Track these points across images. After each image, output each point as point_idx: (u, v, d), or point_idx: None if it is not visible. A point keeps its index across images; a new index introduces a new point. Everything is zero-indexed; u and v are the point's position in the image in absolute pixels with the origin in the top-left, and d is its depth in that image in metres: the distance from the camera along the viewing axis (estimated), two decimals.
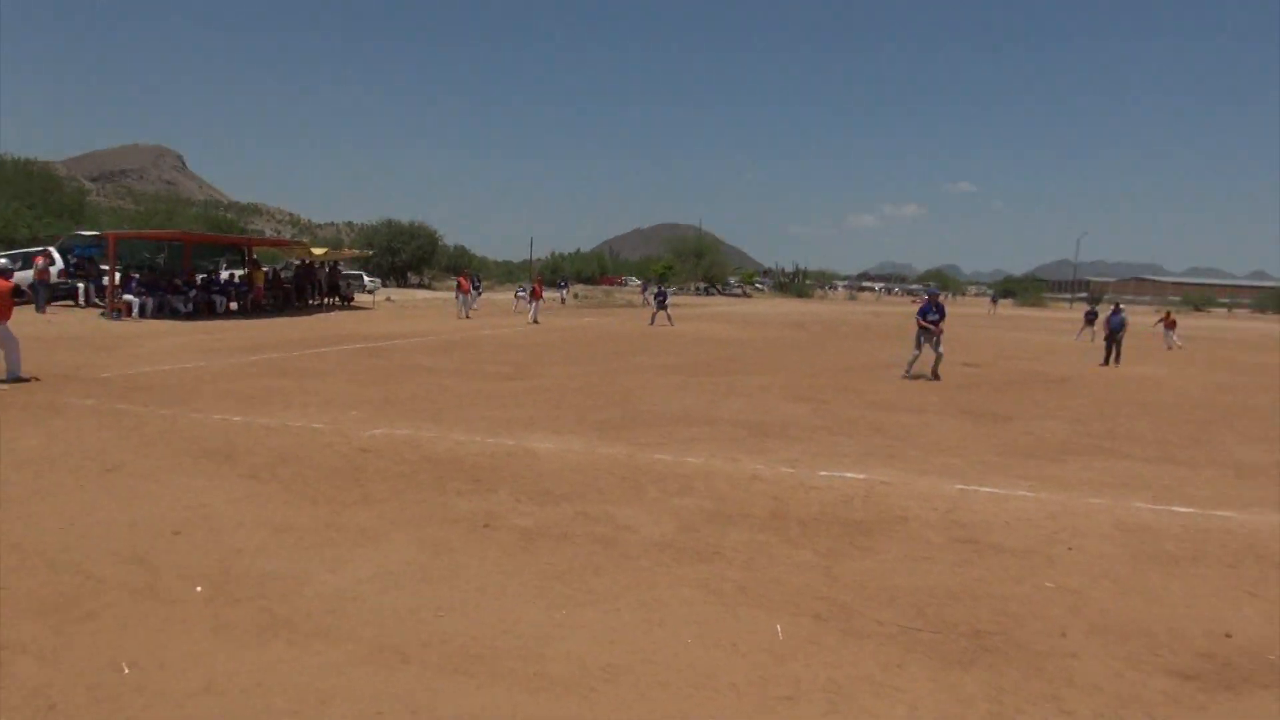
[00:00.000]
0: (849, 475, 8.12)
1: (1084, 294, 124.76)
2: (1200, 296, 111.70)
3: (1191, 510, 7.30)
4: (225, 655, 4.11)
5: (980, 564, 5.77)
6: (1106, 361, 21.30)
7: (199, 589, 4.88)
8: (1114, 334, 21.51)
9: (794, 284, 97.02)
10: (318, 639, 4.31)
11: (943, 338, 16.71)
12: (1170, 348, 28.37)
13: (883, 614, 4.85)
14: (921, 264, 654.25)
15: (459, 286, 33.52)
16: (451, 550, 5.66)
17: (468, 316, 32.06)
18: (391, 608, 4.72)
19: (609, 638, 4.43)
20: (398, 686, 3.87)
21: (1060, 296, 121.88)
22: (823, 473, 8.17)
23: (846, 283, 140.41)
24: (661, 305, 32.84)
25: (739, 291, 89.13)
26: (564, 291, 58.51)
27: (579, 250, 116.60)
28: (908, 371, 16.73)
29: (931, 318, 16.57)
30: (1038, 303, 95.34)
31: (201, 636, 4.30)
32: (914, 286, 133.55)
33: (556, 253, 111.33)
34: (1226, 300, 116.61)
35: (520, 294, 38.32)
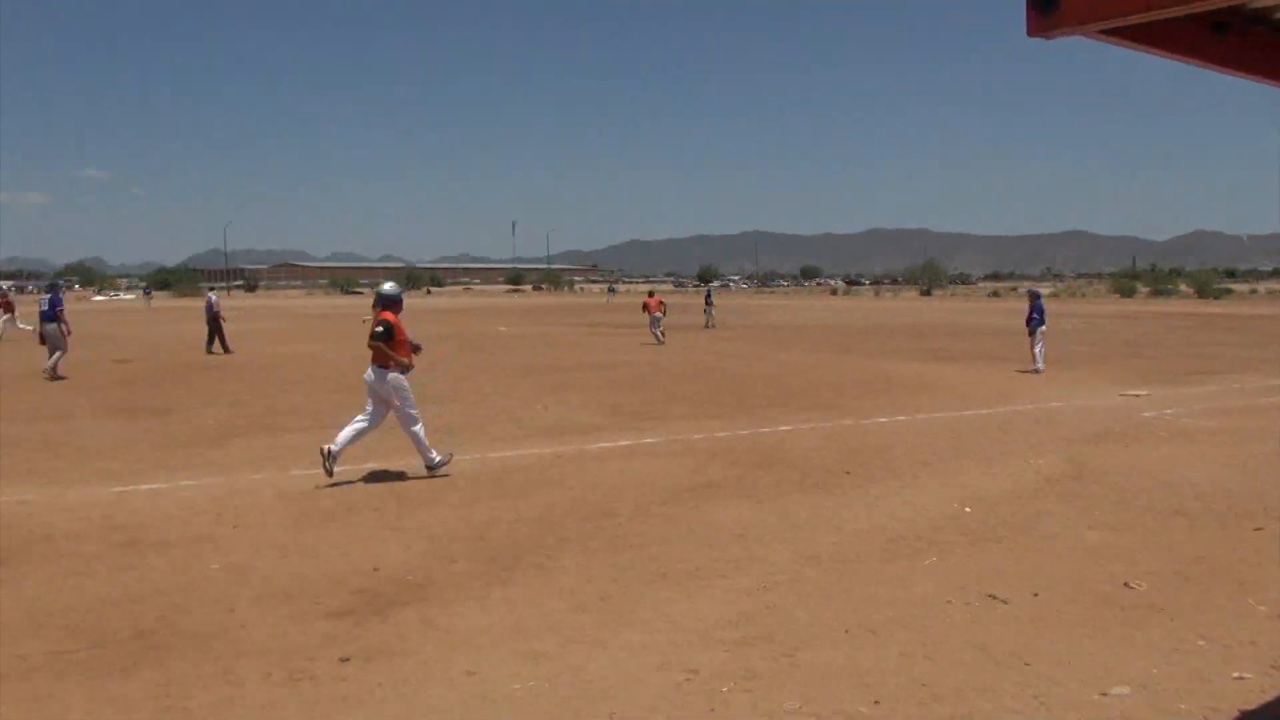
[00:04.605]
0: None
1: (239, 281, 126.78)
2: (344, 278, 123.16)
3: (348, 467, 7.98)
4: None
5: (142, 564, 5.47)
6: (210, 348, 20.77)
7: None
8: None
9: None
10: None
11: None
12: None
13: (25, 647, 4.24)
14: (58, 258, 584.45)
15: None
16: None
17: None
18: None
19: None
20: None
21: (218, 285, 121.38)
22: None
23: None
24: None
25: None
26: None
27: None
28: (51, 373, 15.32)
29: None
30: (197, 293, 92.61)
31: None
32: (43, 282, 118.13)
33: None
34: (367, 281, 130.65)
35: None
